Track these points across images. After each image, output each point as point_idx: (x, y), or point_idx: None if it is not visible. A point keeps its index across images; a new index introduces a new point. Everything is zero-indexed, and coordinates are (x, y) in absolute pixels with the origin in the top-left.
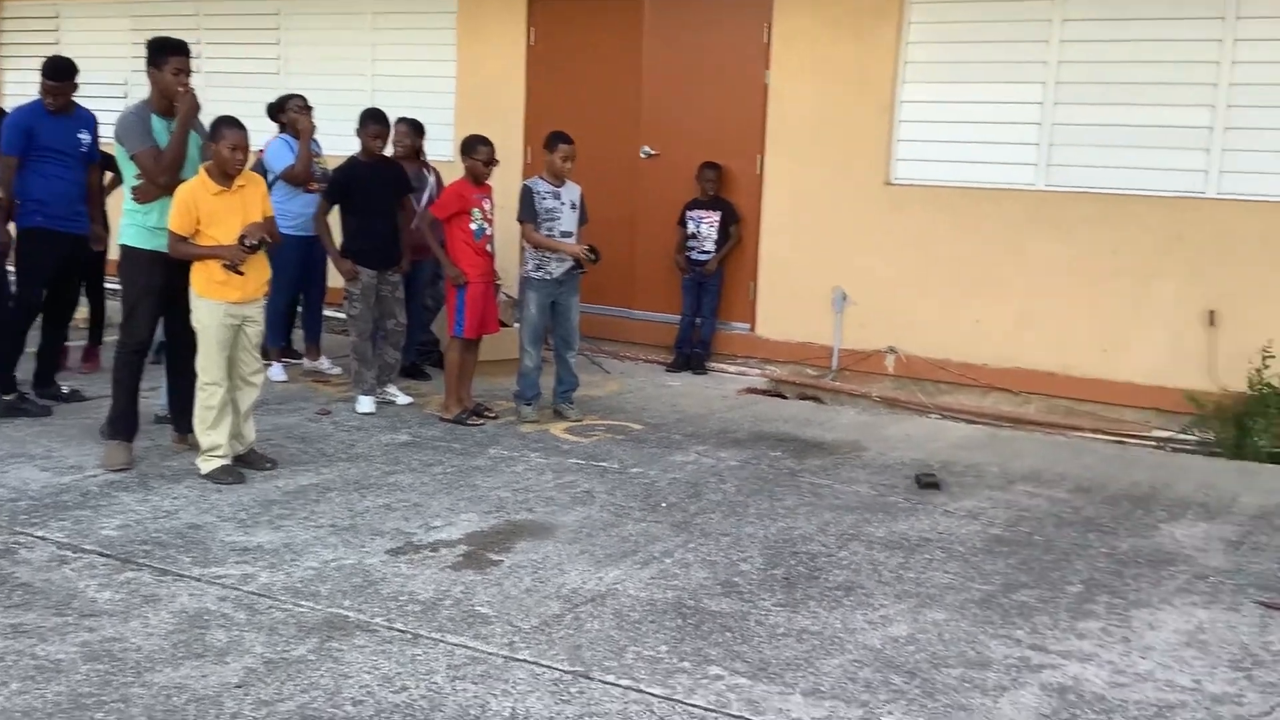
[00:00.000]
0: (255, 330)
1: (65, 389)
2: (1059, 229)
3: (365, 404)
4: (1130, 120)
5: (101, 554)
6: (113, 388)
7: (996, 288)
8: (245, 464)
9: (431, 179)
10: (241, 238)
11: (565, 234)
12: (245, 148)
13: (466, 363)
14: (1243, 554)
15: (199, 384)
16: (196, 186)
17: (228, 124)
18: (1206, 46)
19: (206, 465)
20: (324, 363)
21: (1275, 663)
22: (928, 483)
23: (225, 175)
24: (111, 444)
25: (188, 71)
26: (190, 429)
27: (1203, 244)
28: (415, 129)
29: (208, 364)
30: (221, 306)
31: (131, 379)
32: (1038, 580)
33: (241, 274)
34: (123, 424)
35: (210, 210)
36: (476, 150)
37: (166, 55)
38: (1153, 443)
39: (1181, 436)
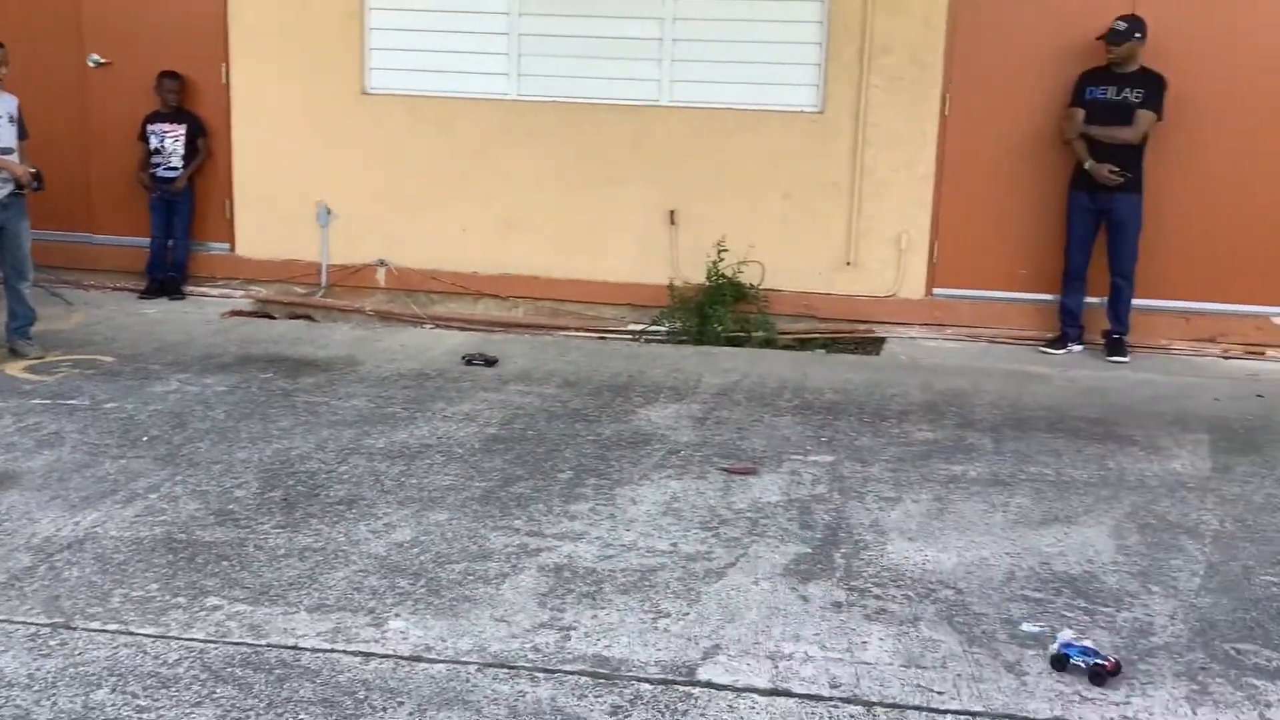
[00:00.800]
0: None
1: None
2: (533, 137)
3: None
4: (592, 31)
5: None
6: None
7: (479, 196)
8: None
9: None
10: None
11: (5, 151)
12: None
13: None
14: (707, 428)
15: None
16: None
17: None
18: None
19: None
20: None
21: (737, 519)
22: (478, 361)
23: None
24: None
25: None
26: None
27: (660, 149)
28: None
29: None
30: None
31: None
32: (532, 472)
33: None
34: None
35: None
36: None
37: None
38: (628, 336)
39: (653, 328)
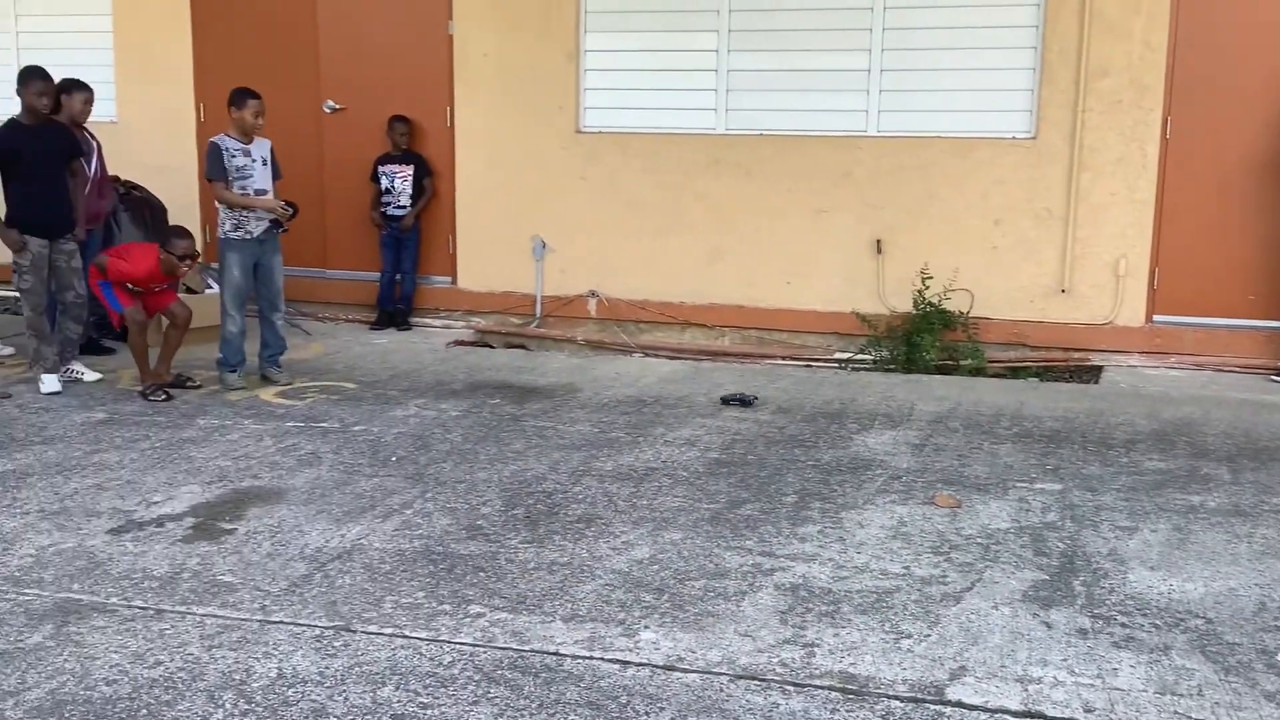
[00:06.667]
0: None
1: None
2: (740, 170)
3: (50, 383)
4: (799, 65)
5: None
6: None
7: (687, 228)
8: None
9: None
10: None
11: (260, 192)
12: None
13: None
14: (927, 455)
15: None
16: None
17: None
18: None
19: None
20: None
21: (968, 545)
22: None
23: None
24: None
25: None
26: None
27: (868, 179)
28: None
29: None
30: None
31: None
32: (757, 495)
33: None
34: None
35: None
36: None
37: None
38: (835, 364)
39: (859, 357)
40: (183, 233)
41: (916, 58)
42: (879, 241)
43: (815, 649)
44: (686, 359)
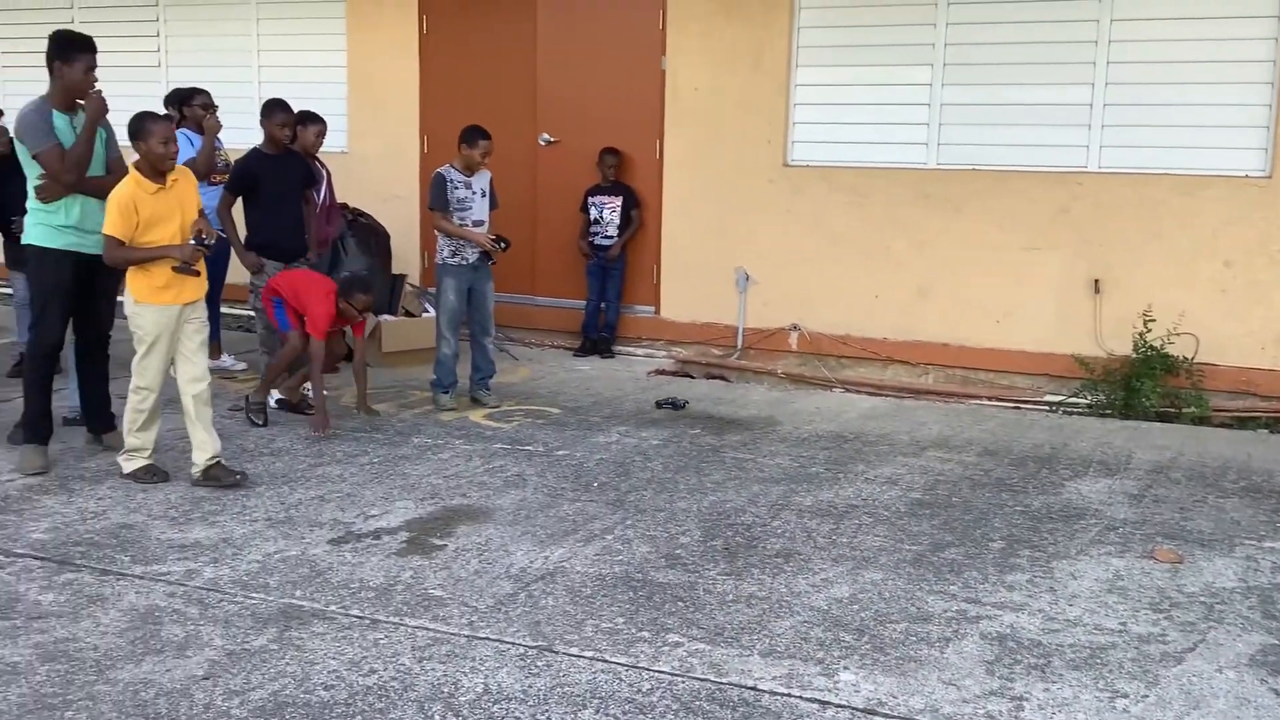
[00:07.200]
0: (202, 332)
1: None
2: (950, 205)
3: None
4: (1015, 99)
5: (36, 557)
6: (25, 391)
7: (893, 263)
8: (211, 478)
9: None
10: (199, 237)
11: (477, 223)
12: (175, 139)
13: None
14: (1145, 506)
15: (132, 386)
16: (134, 188)
17: (151, 118)
18: (1085, 26)
19: (129, 465)
20: (227, 360)
21: (1190, 604)
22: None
23: (158, 172)
24: (26, 448)
25: (95, 68)
26: (104, 430)
27: (1086, 216)
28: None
29: (146, 369)
30: (169, 310)
31: (44, 381)
32: (962, 539)
33: (197, 274)
34: (37, 428)
35: (151, 212)
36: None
37: (78, 52)
38: (1045, 407)
39: (1072, 400)
40: (366, 287)
41: (1142, 92)
42: (1096, 281)
43: (1024, 703)
44: (888, 396)
